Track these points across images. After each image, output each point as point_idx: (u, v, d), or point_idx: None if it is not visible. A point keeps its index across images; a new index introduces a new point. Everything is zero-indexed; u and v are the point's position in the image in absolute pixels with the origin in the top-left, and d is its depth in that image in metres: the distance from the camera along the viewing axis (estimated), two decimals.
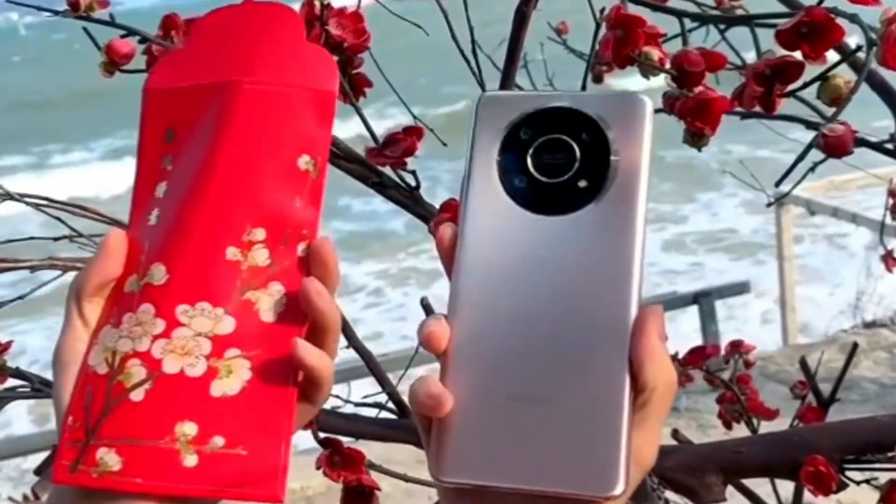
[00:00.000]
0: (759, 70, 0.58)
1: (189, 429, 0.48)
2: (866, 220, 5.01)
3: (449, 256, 0.49)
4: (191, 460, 0.48)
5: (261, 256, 0.50)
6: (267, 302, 0.50)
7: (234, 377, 0.49)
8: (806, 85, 0.57)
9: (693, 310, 4.90)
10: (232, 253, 0.50)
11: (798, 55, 0.58)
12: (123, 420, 0.48)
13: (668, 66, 0.64)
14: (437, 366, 0.50)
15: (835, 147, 0.56)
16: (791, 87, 0.58)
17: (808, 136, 0.61)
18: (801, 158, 0.59)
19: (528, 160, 0.48)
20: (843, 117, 0.58)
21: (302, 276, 0.51)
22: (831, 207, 5.49)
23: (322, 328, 0.51)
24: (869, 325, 5.12)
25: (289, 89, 0.52)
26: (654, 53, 0.63)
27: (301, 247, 0.51)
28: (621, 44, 0.64)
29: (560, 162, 0.47)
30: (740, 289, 5.42)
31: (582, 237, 0.46)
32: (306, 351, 0.50)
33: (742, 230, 8.86)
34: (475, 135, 0.49)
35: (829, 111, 0.57)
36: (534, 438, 0.45)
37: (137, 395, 0.49)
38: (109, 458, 0.48)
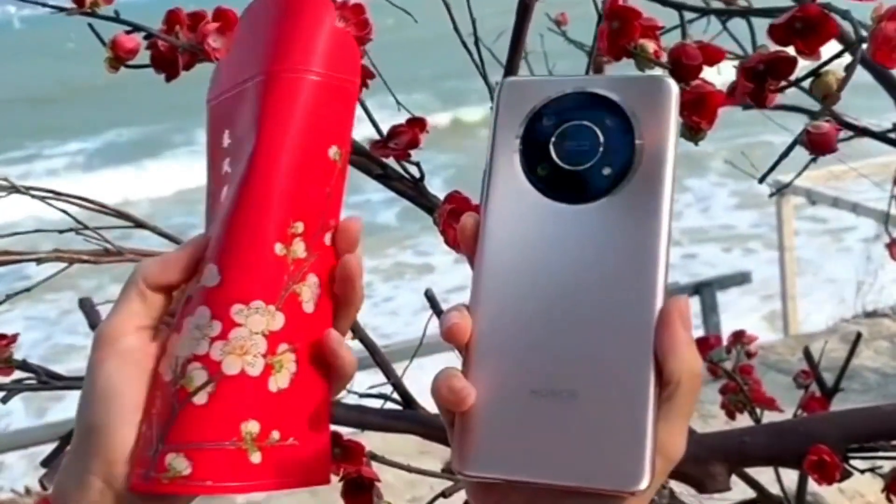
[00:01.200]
0: (750, 65, 0.58)
1: (253, 427, 0.49)
2: (867, 209, 5.01)
3: (470, 246, 0.48)
4: (256, 457, 0.49)
5: (300, 249, 0.51)
6: (307, 293, 0.51)
7: (285, 371, 0.50)
8: (798, 81, 0.57)
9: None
10: (279, 248, 0.51)
11: (791, 50, 0.58)
12: (189, 424, 0.49)
13: (663, 58, 0.64)
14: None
15: (819, 144, 0.56)
16: (784, 82, 0.58)
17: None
18: (784, 155, 0.60)
19: (551, 147, 0.47)
20: (854, 107, 0.58)
21: (330, 264, 0.52)
22: (832, 197, 5.49)
23: (347, 313, 0.53)
24: (870, 315, 5.11)
25: (320, 77, 0.52)
26: (650, 46, 0.63)
27: (328, 236, 0.52)
28: (617, 36, 0.64)
29: (584, 148, 0.46)
30: (741, 279, 5.43)
31: (606, 226, 0.45)
32: (340, 343, 0.52)
33: (732, 221, 8.88)
34: (497, 122, 0.48)
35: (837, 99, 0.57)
36: (558, 432, 0.44)
37: (201, 399, 0.49)
38: (178, 463, 0.48)
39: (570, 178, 0.46)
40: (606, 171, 0.46)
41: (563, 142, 0.47)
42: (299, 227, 0.51)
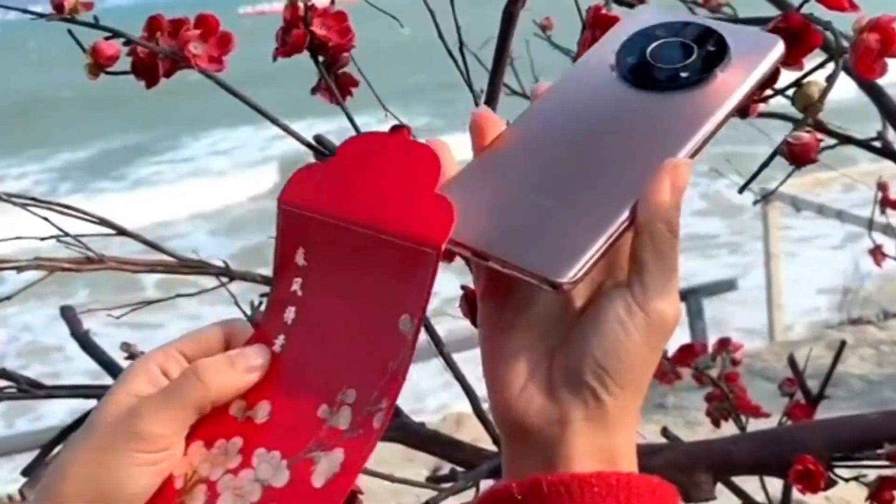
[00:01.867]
0: None
1: None
2: (852, 216, 5.03)
3: (477, 139, 0.52)
4: None
5: (344, 419, 0.49)
6: (324, 465, 0.48)
7: None
8: (781, 91, 0.57)
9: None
10: (323, 410, 0.49)
11: None
12: None
13: None
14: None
15: (799, 155, 0.56)
16: (767, 92, 0.58)
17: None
18: (765, 165, 0.59)
19: (650, 48, 0.52)
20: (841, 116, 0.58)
21: (367, 449, 0.49)
22: (817, 204, 5.51)
23: None
24: (855, 322, 5.13)
25: (411, 244, 0.49)
26: None
27: (379, 417, 0.48)
28: None
29: (673, 55, 0.51)
30: (728, 286, 5.45)
31: (653, 111, 0.49)
32: None
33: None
34: (607, 35, 0.54)
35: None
36: (526, 225, 0.47)
37: None
38: None
39: (648, 70, 0.51)
40: (683, 74, 0.50)
41: (663, 48, 0.52)
42: (350, 395, 0.49)
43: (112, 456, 0.48)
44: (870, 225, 1.78)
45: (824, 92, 0.54)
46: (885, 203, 1.75)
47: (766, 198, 3.58)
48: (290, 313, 0.52)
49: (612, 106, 0.51)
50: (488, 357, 0.50)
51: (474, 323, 0.53)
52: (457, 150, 0.52)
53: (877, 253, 1.74)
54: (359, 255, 0.50)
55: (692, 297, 4.96)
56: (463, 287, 0.68)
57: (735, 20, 0.80)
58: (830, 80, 0.54)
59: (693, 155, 0.48)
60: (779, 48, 0.50)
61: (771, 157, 0.56)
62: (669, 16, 0.54)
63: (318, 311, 0.51)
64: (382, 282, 0.50)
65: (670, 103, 0.49)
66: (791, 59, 0.54)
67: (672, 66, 0.51)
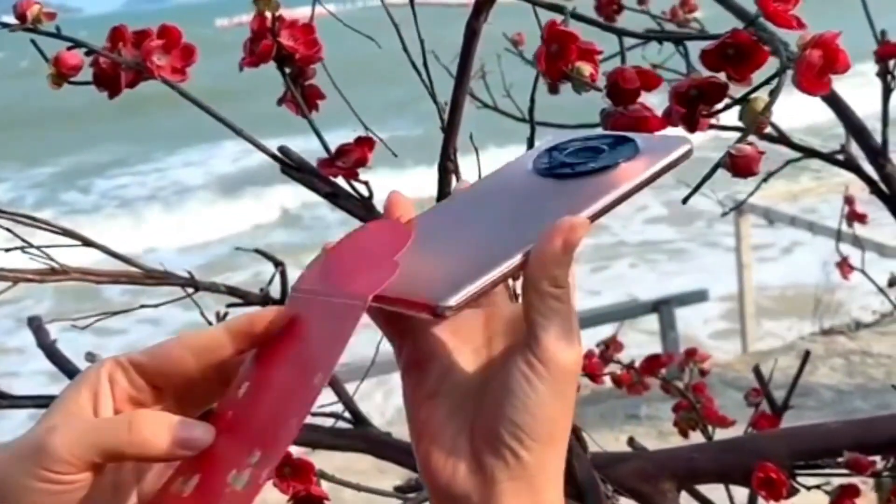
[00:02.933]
0: (682, 90, 0.59)
1: None
2: (823, 228, 5.08)
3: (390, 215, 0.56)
4: None
5: (243, 481, 0.48)
6: None
7: None
8: (730, 106, 0.58)
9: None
10: (231, 476, 0.49)
11: (723, 76, 0.59)
12: None
13: (600, 82, 0.65)
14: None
15: (741, 168, 0.57)
16: (715, 107, 0.59)
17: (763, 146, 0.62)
18: (708, 177, 0.60)
19: (566, 151, 0.55)
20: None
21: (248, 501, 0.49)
22: (789, 216, 5.56)
23: None
24: (826, 333, 5.18)
25: (346, 301, 0.51)
26: (586, 69, 0.64)
27: (266, 473, 0.48)
28: (555, 58, 0.65)
29: (587, 155, 0.54)
30: (699, 297, 5.49)
31: (563, 188, 0.52)
32: None
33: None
34: (527, 152, 0.58)
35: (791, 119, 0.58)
36: (434, 270, 0.51)
37: None
38: None
39: (559, 163, 0.54)
40: (586, 166, 0.53)
41: (576, 151, 0.55)
42: (256, 456, 0.48)
43: (17, 462, 0.47)
44: (837, 237, 1.80)
45: (768, 105, 0.55)
46: (852, 216, 1.77)
47: (737, 208, 3.60)
48: (243, 388, 0.52)
49: (525, 188, 0.54)
50: (414, 427, 0.52)
51: None
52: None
53: (843, 265, 1.76)
54: (311, 321, 0.52)
55: (664, 307, 4.99)
56: None
57: (698, 37, 0.81)
58: (774, 94, 0.55)
59: (592, 219, 0.50)
60: (686, 146, 0.52)
61: (714, 170, 0.58)
62: (593, 132, 0.57)
63: (260, 381, 0.52)
64: (318, 343, 0.51)
65: (577, 184, 0.52)
66: (739, 75, 0.55)
67: (582, 160, 0.54)
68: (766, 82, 0.55)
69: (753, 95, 0.56)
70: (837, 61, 0.54)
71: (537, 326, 0.48)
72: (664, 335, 5.00)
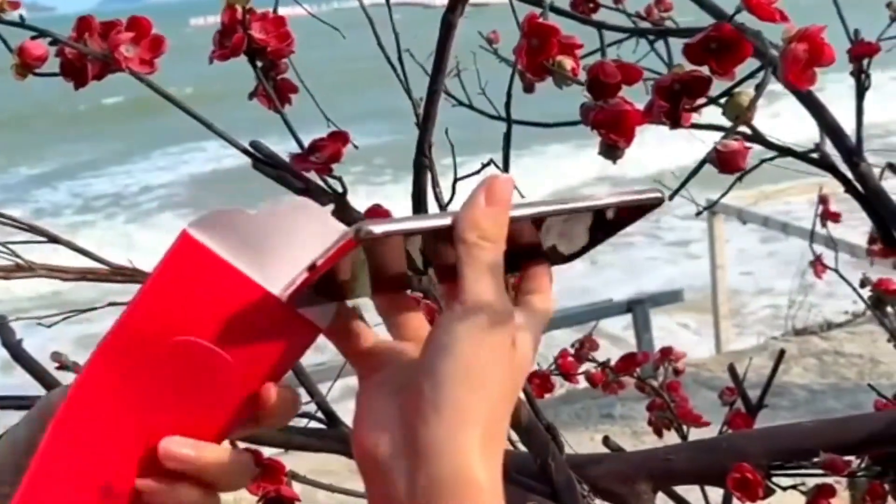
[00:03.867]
0: (665, 85, 0.58)
1: None
2: (797, 229, 5.11)
3: None
4: None
5: None
6: None
7: None
8: (713, 100, 0.57)
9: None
10: None
11: (706, 70, 0.58)
12: None
13: (581, 76, 0.64)
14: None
15: (727, 163, 0.57)
16: (698, 102, 0.58)
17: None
18: (694, 173, 0.59)
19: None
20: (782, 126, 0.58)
21: None
22: (762, 217, 5.59)
23: None
24: (799, 333, 5.21)
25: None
26: (567, 63, 0.63)
27: None
28: (536, 53, 0.64)
29: None
30: (673, 297, 5.51)
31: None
32: None
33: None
34: None
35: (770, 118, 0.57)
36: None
37: None
38: None
39: None
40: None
41: None
42: None
43: None
44: (811, 237, 1.80)
45: (753, 101, 0.54)
46: (826, 216, 1.77)
47: (710, 208, 3.61)
48: None
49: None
50: (356, 415, 0.51)
51: None
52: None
53: (817, 265, 1.76)
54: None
55: (638, 307, 5.00)
56: None
57: (669, 32, 0.80)
58: (759, 88, 0.54)
59: (538, 223, 0.50)
60: (657, 192, 0.51)
61: (700, 165, 0.57)
62: None
63: None
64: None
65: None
66: (722, 69, 0.54)
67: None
68: (750, 76, 0.54)
69: (737, 90, 0.55)
70: (822, 55, 0.53)
71: (464, 279, 0.48)
72: (638, 335, 5.01)
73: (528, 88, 1.30)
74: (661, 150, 6.37)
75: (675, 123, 0.58)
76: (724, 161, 0.55)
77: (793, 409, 3.84)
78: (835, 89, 1.79)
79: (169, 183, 14.55)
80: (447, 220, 0.48)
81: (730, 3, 0.65)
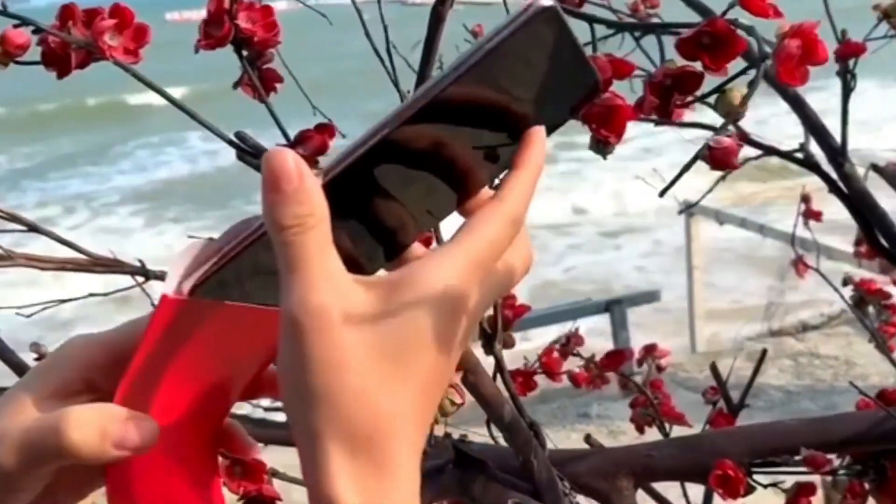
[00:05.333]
0: (657, 80, 0.58)
1: None
2: (774, 231, 5.14)
3: None
4: None
5: None
6: None
7: None
8: (704, 96, 0.57)
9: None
10: None
11: (699, 65, 0.57)
12: None
13: None
14: None
15: (720, 160, 0.56)
16: (690, 97, 0.58)
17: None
18: (685, 169, 0.59)
19: None
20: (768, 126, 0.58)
21: None
22: (739, 218, 5.62)
23: None
24: (775, 334, 5.24)
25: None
26: None
27: None
28: None
29: None
30: (650, 297, 5.53)
31: None
32: None
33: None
34: None
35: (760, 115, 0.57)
36: None
37: None
38: None
39: None
40: None
41: None
42: None
43: None
44: (793, 237, 1.81)
45: (745, 97, 0.54)
46: (808, 215, 1.78)
47: (688, 209, 3.62)
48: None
49: None
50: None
51: None
52: None
53: (798, 264, 1.77)
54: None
55: (615, 307, 5.02)
56: None
57: (660, 27, 0.80)
58: (752, 85, 0.54)
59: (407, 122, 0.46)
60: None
61: (692, 162, 0.56)
62: None
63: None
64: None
65: None
66: (715, 65, 0.54)
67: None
68: (742, 73, 0.54)
69: (729, 86, 0.55)
70: (816, 52, 0.53)
71: (285, 286, 0.42)
72: (615, 335, 5.03)
73: None
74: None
75: (667, 119, 0.57)
76: (716, 158, 0.55)
77: (769, 409, 3.86)
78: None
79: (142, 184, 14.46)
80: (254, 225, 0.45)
81: (718, 1, 0.65)
